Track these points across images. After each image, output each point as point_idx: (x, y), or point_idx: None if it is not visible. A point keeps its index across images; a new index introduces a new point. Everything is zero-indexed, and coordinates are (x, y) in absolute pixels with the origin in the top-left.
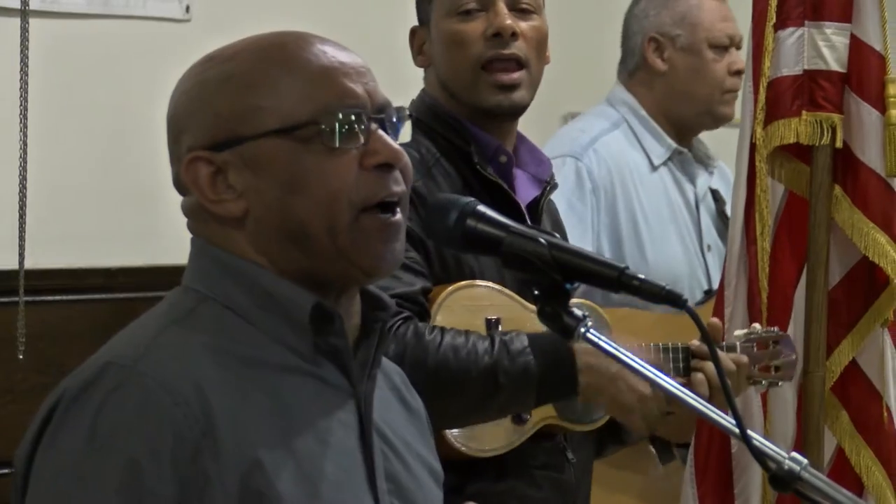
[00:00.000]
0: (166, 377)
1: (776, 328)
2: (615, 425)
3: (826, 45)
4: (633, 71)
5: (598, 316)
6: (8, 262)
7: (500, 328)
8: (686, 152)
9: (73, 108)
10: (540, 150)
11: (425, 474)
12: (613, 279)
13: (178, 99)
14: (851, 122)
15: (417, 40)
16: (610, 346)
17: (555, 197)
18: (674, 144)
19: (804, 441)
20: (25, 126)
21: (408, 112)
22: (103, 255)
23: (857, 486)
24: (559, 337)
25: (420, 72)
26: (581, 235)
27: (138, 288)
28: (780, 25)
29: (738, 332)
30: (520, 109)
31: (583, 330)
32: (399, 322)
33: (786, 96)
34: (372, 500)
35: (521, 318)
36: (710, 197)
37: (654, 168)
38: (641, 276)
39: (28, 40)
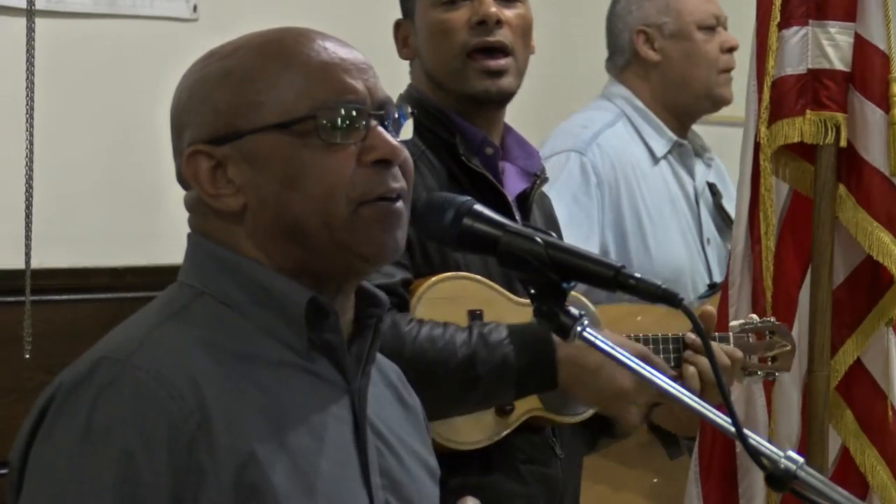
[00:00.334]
0: (161, 371)
1: (773, 318)
2: (606, 418)
3: (830, 45)
4: (625, 66)
5: (588, 312)
6: (14, 261)
7: (482, 320)
8: (686, 144)
9: (80, 107)
10: (529, 143)
11: (420, 470)
12: (610, 278)
13: (180, 94)
14: (855, 121)
15: (402, 33)
16: (606, 344)
17: (559, 191)
18: (674, 137)
19: (809, 440)
20: (32, 126)
21: (410, 110)
22: (110, 254)
23: (862, 486)
24: (540, 328)
25: None
26: (588, 230)
27: (145, 287)
28: (784, 24)
29: (734, 323)
30: (507, 96)
31: (579, 328)
32: None
33: (790, 95)
34: (366, 494)
35: (504, 310)
36: (707, 190)
37: (655, 161)
38: (638, 275)
39: (34, 40)
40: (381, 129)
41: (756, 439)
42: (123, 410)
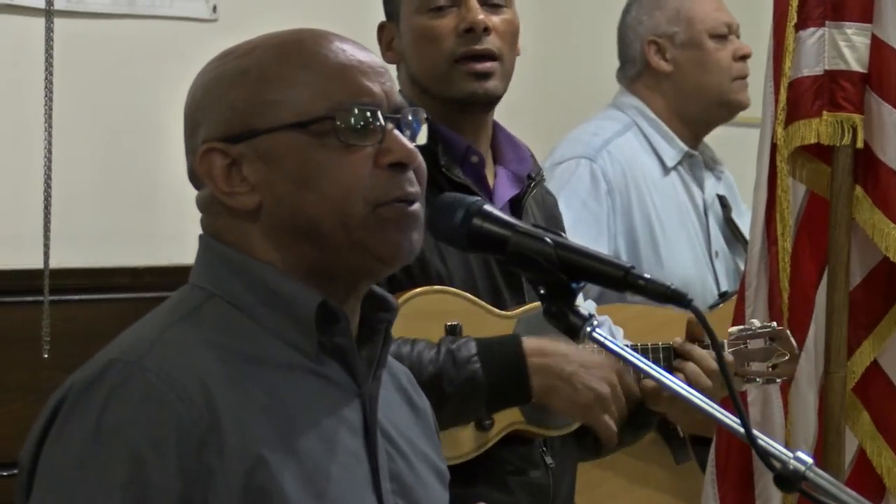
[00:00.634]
0: (171, 373)
1: (774, 323)
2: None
3: (847, 46)
4: (636, 77)
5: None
6: (33, 261)
7: (461, 334)
8: (697, 155)
9: (99, 107)
10: (522, 146)
11: (430, 474)
12: (619, 279)
13: (194, 92)
14: (872, 122)
15: (386, 36)
16: (616, 346)
17: (568, 197)
18: (685, 147)
19: (825, 442)
20: (50, 126)
21: (425, 115)
22: (129, 254)
23: (879, 488)
24: (509, 340)
25: None
26: (596, 236)
27: (164, 287)
28: (800, 26)
29: (732, 329)
30: (493, 99)
31: (588, 329)
32: None
33: (806, 96)
34: (375, 499)
35: (484, 323)
36: (717, 203)
37: (666, 171)
38: (647, 276)
39: (53, 40)
40: (397, 132)
41: (765, 440)
42: (133, 412)
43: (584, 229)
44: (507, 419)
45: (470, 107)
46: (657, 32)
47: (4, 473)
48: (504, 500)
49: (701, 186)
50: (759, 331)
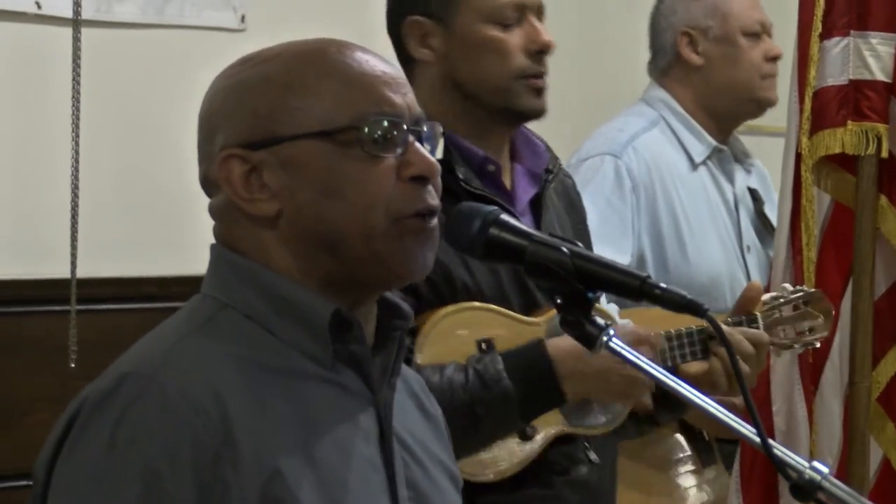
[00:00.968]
0: (185, 386)
1: (805, 286)
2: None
3: (871, 55)
4: (667, 68)
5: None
6: (61, 271)
7: (494, 348)
8: (725, 150)
9: (126, 117)
10: (537, 141)
11: (445, 480)
12: (635, 288)
13: (212, 97)
14: None
15: (417, 31)
16: (633, 355)
17: (592, 194)
18: (714, 142)
19: (850, 452)
20: (77, 136)
21: (441, 129)
22: (157, 263)
23: None
24: (533, 347)
25: None
26: (621, 234)
27: (191, 297)
28: (825, 35)
29: (765, 296)
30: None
31: (605, 338)
32: None
33: (831, 106)
34: None
35: (517, 333)
36: (748, 196)
37: (694, 167)
38: (663, 285)
39: (80, 50)
40: (418, 145)
41: (781, 449)
42: (149, 426)
43: (608, 227)
44: (551, 425)
45: (520, 120)
46: (691, 24)
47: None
48: (552, 499)
49: (731, 180)
50: (792, 296)
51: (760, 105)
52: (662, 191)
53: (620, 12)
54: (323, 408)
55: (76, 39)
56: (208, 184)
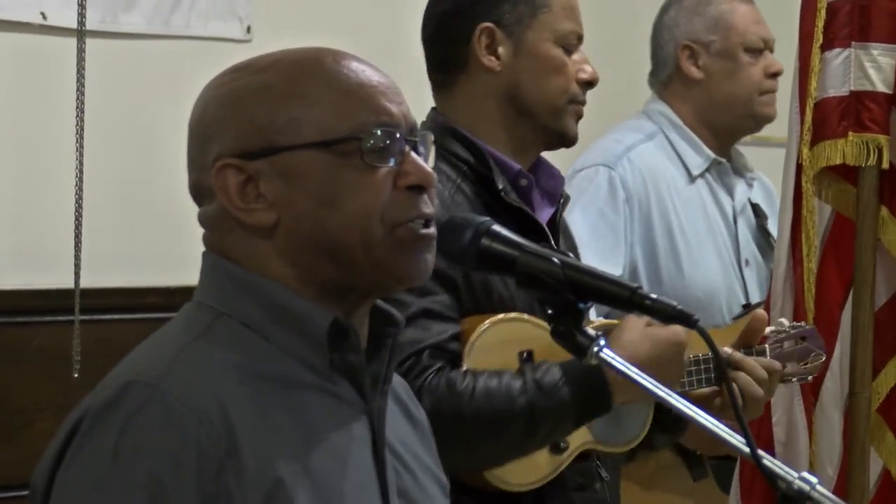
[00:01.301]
0: (189, 395)
1: (803, 322)
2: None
3: (872, 66)
4: (667, 81)
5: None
6: (65, 280)
7: (532, 360)
8: (725, 163)
9: (131, 127)
10: (550, 164)
11: (433, 486)
12: (625, 298)
13: (206, 105)
14: None
15: (487, 38)
16: (623, 365)
17: (585, 205)
18: (712, 155)
19: (850, 462)
20: (82, 146)
21: (432, 137)
22: (162, 274)
23: None
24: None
25: None
26: (613, 245)
27: None
28: (826, 46)
29: (768, 330)
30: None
31: (595, 349)
32: (431, 375)
33: (832, 117)
34: None
35: (553, 345)
36: (749, 210)
37: (691, 179)
38: (654, 296)
39: (84, 60)
40: (414, 154)
41: (771, 460)
42: (153, 436)
43: (600, 238)
44: (579, 440)
45: (560, 143)
46: (693, 38)
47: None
48: None
49: (731, 193)
50: (792, 331)
51: (758, 121)
52: (658, 203)
53: (624, 25)
54: (320, 417)
55: (80, 50)
56: (199, 192)
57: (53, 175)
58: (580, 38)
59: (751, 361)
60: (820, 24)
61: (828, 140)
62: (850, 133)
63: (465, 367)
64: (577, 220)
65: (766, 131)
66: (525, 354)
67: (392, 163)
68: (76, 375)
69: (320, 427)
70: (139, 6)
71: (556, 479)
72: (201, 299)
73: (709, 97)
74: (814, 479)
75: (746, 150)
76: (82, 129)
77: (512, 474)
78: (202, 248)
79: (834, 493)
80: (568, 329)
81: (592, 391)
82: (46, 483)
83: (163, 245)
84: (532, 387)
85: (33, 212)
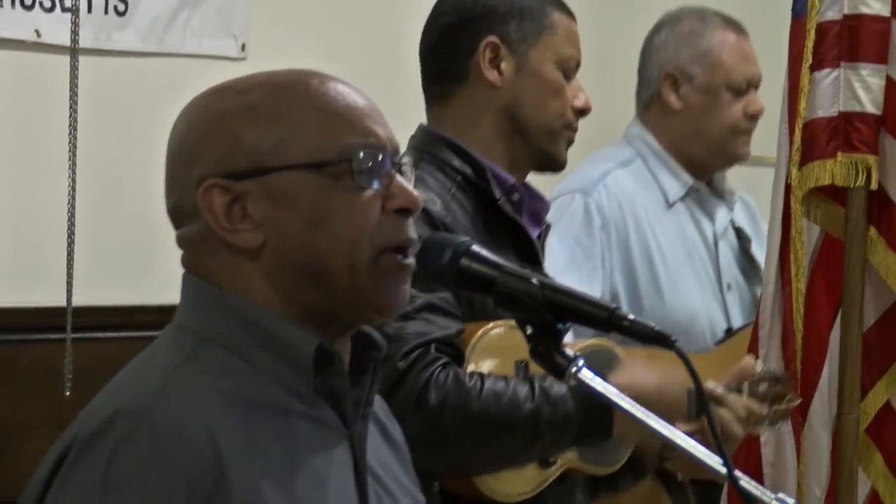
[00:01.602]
0: (179, 424)
1: (775, 367)
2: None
3: (862, 87)
4: (648, 102)
5: (610, 356)
6: (57, 298)
7: (528, 370)
8: (703, 189)
9: (125, 145)
10: (536, 189)
11: None
12: (603, 319)
13: (189, 125)
14: (887, 163)
15: (492, 53)
16: (602, 387)
17: (562, 233)
18: (690, 181)
19: (838, 483)
20: (74, 164)
21: (412, 161)
22: (154, 292)
23: None
24: None
25: None
26: (590, 272)
27: None
28: (816, 66)
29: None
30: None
31: (574, 370)
32: (438, 369)
33: (821, 137)
34: None
35: None
36: (731, 233)
37: (669, 205)
38: (631, 317)
39: (77, 78)
40: (399, 177)
41: (748, 481)
42: (142, 465)
43: (577, 266)
44: (566, 456)
45: (550, 166)
46: (678, 67)
47: None
48: None
49: (711, 218)
50: (765, 375)
51: (730, 159)
52: (635, 228)
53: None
54: (304, 444)
55: (73, 68)
56: (180, 212)
57: (46, 192)
58: (578, 65)
59: (734, 400)
60: (809, 44)
61: (817, 160)
62: (839, 153)
63: (469, 368)
64: (553, 247)
65: (755, 151)
66: (523, 363)
67: (378, 185)
68: (68, 394)
69: (304, 453)
70: (133, 24)
71: (536, 498)
72: (182, 322)
73: (683, 128)
74: (791, 501)
75: (737, 169)
76: (75, 147)
77: (502, 483)
78: None
79: None
80: (547, 349)
81: (596, 410)
82: None
83: (156, 263)
84: (540, 394)
85: (26, 229)
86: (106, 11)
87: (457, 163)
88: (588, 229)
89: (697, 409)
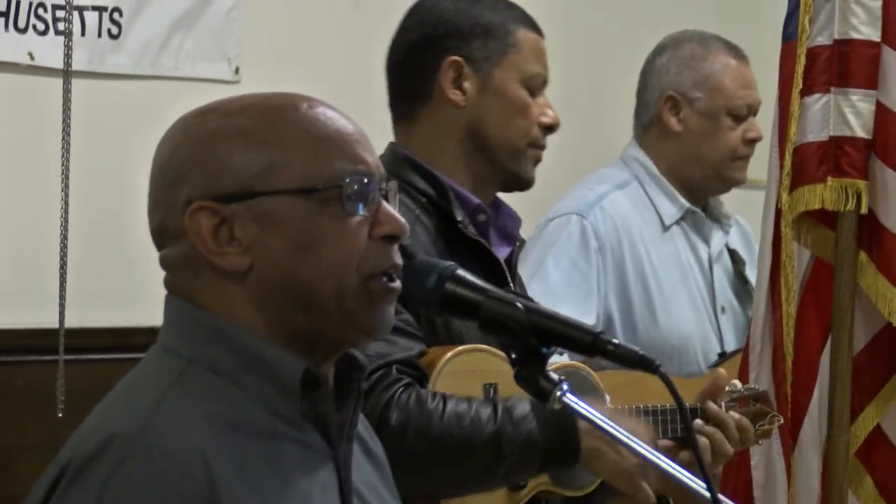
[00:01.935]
0: (172, 448)
1: (757, 385)
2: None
3: (852, 112)
4: (647, 125)
5: (585, 381)
6: (49, 320)
7: (497, 393)
8: (699, 212)
9: (117, 167)
10: (507, 204)
11: None
12: (588, 343)
13: (175, 146)
14: (877, 188)
15: (455, 72)
16: (586, 410)
17: (557, 255)
18: (686, 204)
19: None
20: (67, 186)
21: (397, 186)
22: (148, 313)
23: None
24: None
25: None
26: (586, 295)
27: None
28: (806, 92)
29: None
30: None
31: (558, 393)
32: (400, 389)
33: (811, 162)
34: None
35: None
36: (726, 257)
37: (665, 228)
38: (616, 341)
39: (70, 101)
40: (386, 204)
41: None
42: (136, 490)
43: (573, 289)
44: (536, 480)
45: (516, 186)
46: (679, 90)
47: None
48: None
49: (707, 241)
50: (745, 393)
51: (727, 184)
52: (631, 251)
53: (610, 77)
54: (292, 467)
55: (67, 90)
56: (164, 233)
57: (39, 214)
58: (545, 82)
59: (729, 419)
60: (800, 69)
61: (807, 185)
62: (829, 178)
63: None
64: (549, 269)
65: (750, 174)
66: (491, 388)
67: (369, 212)
68: (60, 415)
69: (292, 476)
70: (127, 47)
71: None
72: (167, 345)
73: (682, 152)
74: None
75: (733, 192)
76: (68, 170)
77: None
78: None
79: None
80: (531, 373)
81: (561, 431)
82: None
83: (148, 285)
84: (503, 416)
85: (18, 250)
86: (99, 34)
87: (421, 184)
88: (585, 252)
89: (682, 435)
